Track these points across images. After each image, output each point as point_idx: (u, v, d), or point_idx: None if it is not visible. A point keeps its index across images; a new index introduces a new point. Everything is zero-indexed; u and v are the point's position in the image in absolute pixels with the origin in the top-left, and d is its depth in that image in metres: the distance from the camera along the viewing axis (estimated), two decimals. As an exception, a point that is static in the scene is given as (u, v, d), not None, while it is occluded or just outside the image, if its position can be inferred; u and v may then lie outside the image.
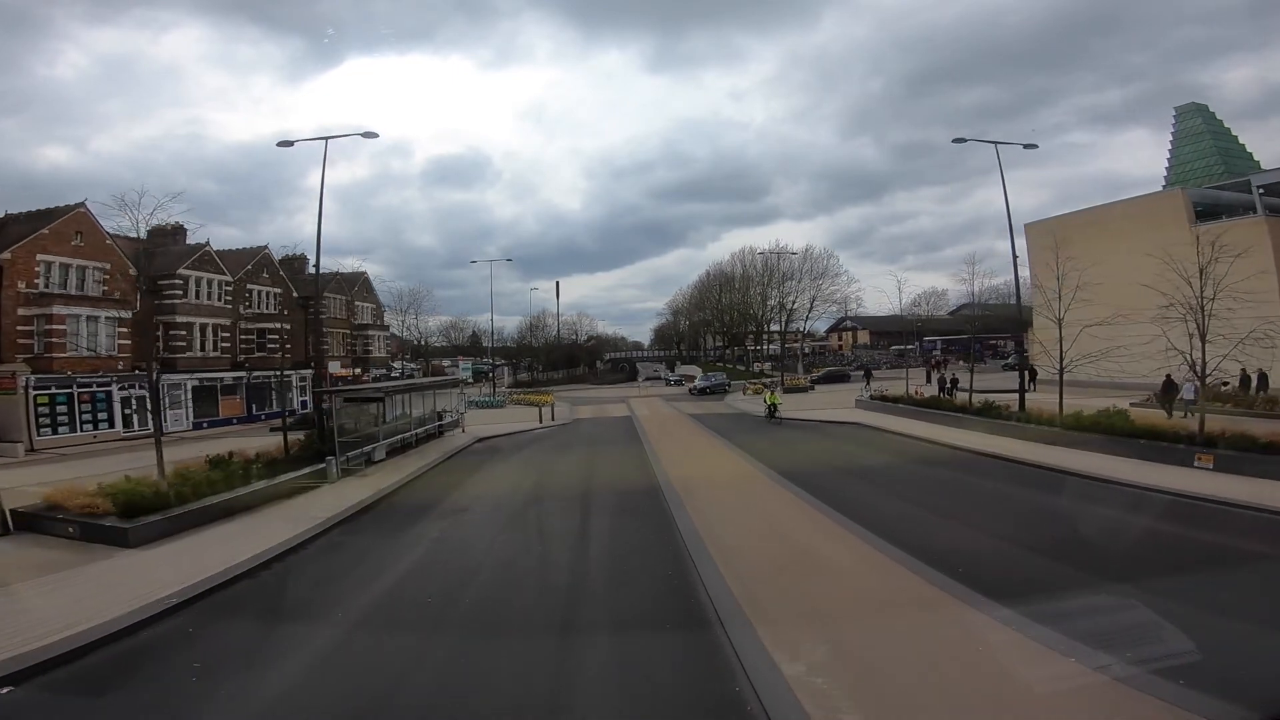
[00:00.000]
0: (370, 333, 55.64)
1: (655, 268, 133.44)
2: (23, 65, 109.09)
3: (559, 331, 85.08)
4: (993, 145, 24.86)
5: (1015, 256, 26.02)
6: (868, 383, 41.62)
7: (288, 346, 45.11)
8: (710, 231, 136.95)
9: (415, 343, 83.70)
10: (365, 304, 56.71)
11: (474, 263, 49.65)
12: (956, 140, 26.26)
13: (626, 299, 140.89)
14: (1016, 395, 23.41)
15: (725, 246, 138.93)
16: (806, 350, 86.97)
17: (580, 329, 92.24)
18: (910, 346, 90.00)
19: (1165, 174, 42.82)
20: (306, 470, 16.64)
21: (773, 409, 30.38)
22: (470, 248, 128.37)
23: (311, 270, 53.47)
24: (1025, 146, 25.89)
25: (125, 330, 33.11)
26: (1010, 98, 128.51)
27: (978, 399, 24.52)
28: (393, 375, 75.50)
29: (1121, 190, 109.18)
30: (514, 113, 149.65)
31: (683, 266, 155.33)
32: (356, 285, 55.85)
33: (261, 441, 19.68)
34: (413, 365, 79.16)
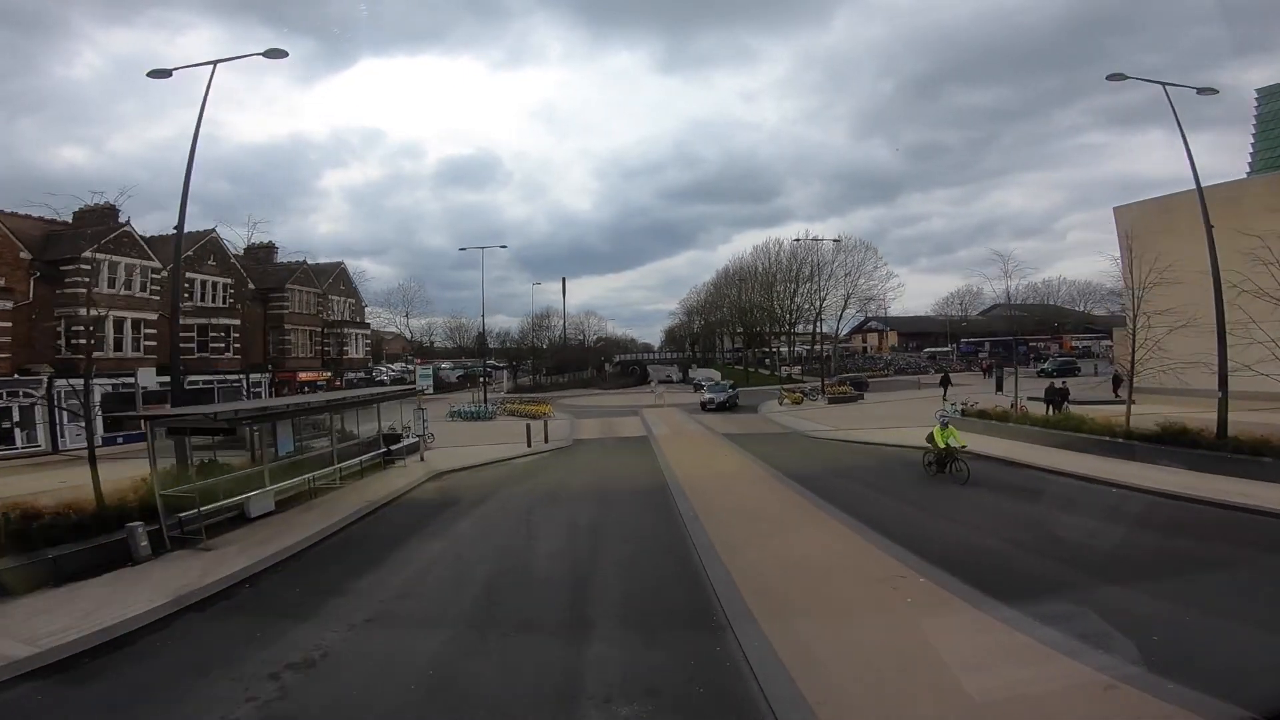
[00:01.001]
0: (347, 331, 48.60)
1: (666, 269, 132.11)
2: (40, 65, 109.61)
3: (565, 331, 78.04)
4: (1160, 86, 17.89)
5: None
6: (945, 392, 34.04)
7: (237, 346, 38.15)
8: (721, 233, 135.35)
9: (410, 341, 77.12)
10: (342, 298, 49.78)
11: (463, 250, 41.97)
12: (1112, 77, 18.74)
13: (637, 300, 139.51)
14: (1117, 404, 20.61)
15: (735, 248, 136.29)
16: (828, 353, 79.54)
17: (588, 329, 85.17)
18: (946, 349, 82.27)
19: (1249, 162, 35.46)
20: (90, 544, 9.50)
21: (945, 456, 15.93)
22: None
23: (290, 259, 46.90)
24: (1200, 91, 19.36)
25: (8, 325, 26.26)
26: (1024, 98, 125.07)
27: (1104, 413, 17.59)
28: (378, 380, 68.79)
29: (1138, 192, 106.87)
30: (524, 113, 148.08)
31: (693, 268, 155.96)
32: (331, 277, 48.94)
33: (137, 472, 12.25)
34: (407, 368, 72.34)
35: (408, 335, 67.54)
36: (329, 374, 45.79)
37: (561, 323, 77.12)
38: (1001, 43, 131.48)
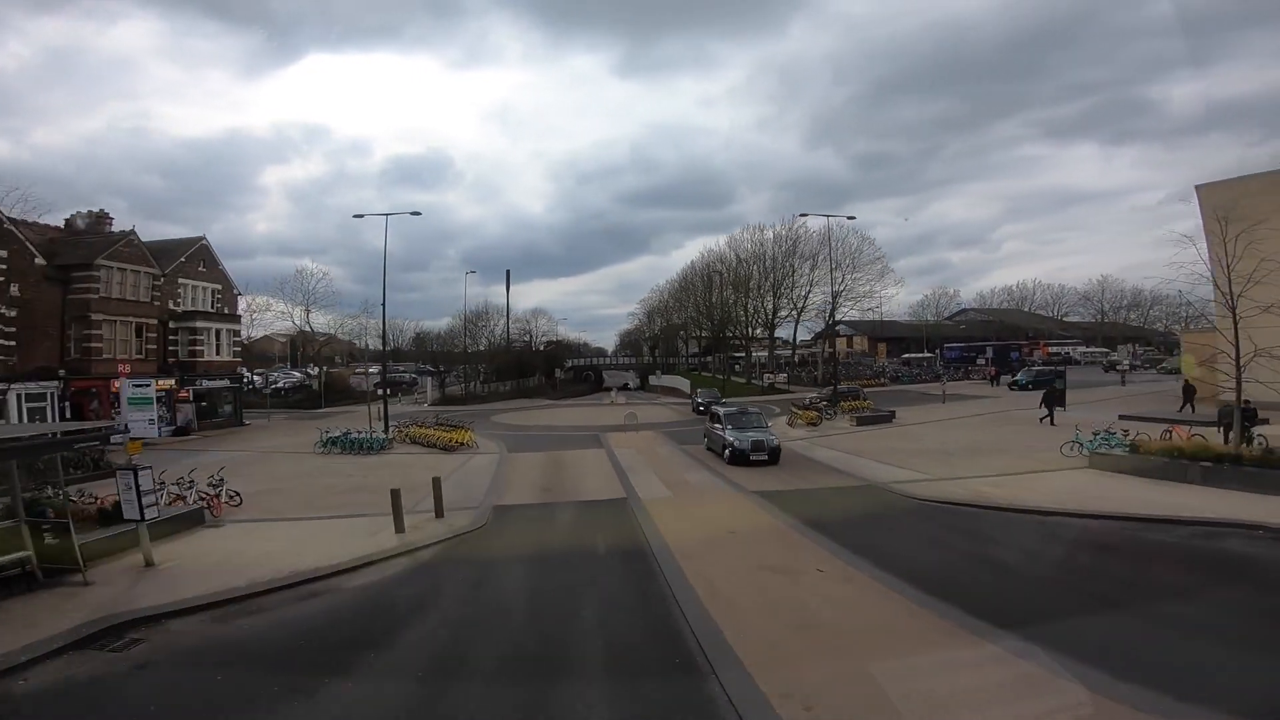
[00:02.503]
0: (202, 326, 35.99)
1: (621, 273, 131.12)
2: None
3: (508, 331, 66.33)
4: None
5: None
6: (1049, 412, 24.43)
7: (12, 344, 25.64)
8: (674, 238, 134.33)
9: (313, 338, 63.73)
10: (199, 284, 37.11)
11: (359, 216, 30.47)
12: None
13: (591, 304, 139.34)
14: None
15: (689, 254, 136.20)
16: (807, 357, 70.77)
17: (536, 330, 73.59)
18: (928, 355, 74.72)
19: None
20: None
21: None
22: (430, 250, 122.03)
23: (112, 231, 33.91)
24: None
25: None
26: (969, 110, 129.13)
27: None
28: (277, 384, 55.67)
29: (1069, 203, 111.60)
30: (480, 114, 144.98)
31: (649, 273, 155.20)
32: (184, 255, 36.27)
33: None
34: (309, 373, 59.24)
35: (307, 330, 54.64)
36: (171, 381, 33.20)
37: (504, 321, 65.52)
38: (950, 55, 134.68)
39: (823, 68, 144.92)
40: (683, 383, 58.99)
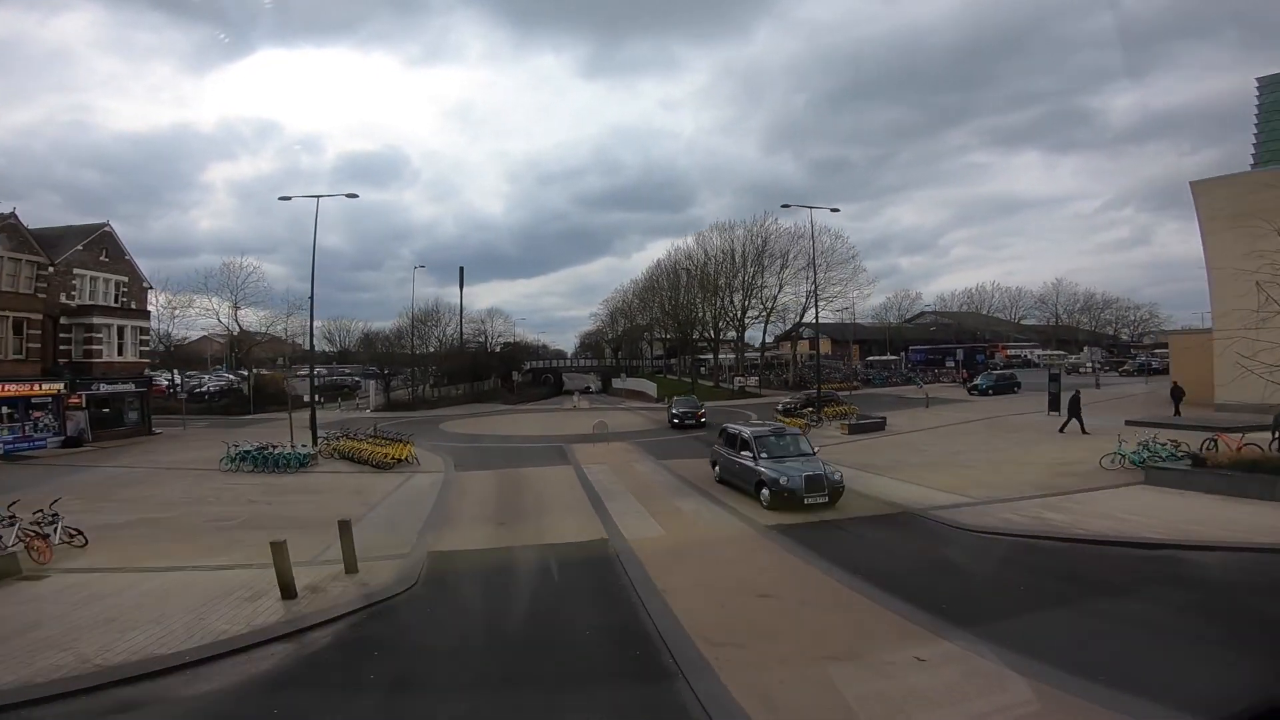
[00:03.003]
0: (102, 322, 31.20)
1: (580, 275, 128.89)
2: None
3: (461, 331, 62.04)
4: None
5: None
6: (1075, 419, 22.17)
7: None
8: (636, 240, 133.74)
9: (230, 338, 58.39)
10: (101, 275, 32.26)
11: (285, 199, 26.20)
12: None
13: (550, 306, 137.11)
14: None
15: (650, 256, 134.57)
16: (777, 359, 68.82)
17: (492, 331, 69.39)
18: (892, 357, 73.74)
19: (1253, 152, 28.54)
20: None
21: None
22: (383, 249, 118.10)
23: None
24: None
25: None
26: (921, 118, 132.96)
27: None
28: (200, 388, 50.26)
29: (1016, 210, 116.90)
30: (439, 112, 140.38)
31: (609, 275, 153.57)
32: (82, 243, 31.42)
33: None
34: (232, 375, 53.90)
35: (240, 330, 49.47)
36: (59, 385, 28.39)
37: (457, 321, 61.18)
38: (906, 63, 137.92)
39: (785, 73, 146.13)
40: (649, 386, 55.96)
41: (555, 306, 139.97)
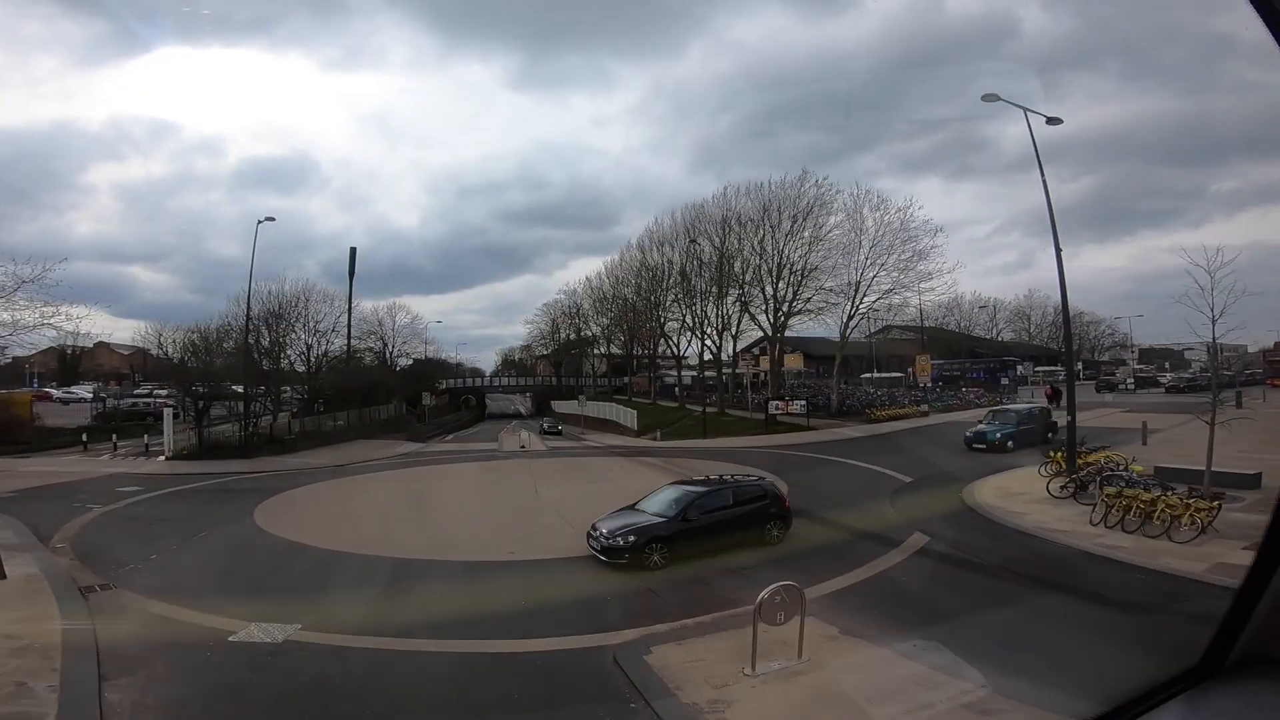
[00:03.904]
0: None
1: (498, 293, 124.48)
2: None
3: (349, 335, 43.77)
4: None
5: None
6: None
7: None
8: (558, 259, 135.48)
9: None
10: None
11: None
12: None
13: (466, 324, 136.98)
14: None
15: (571, 275, 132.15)
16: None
17: (394, 334, 51.37)
18: (895, 374, 61.70)
19: None
20: None
21: None
22: (284, 259, 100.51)
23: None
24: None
25: None
26: (838, 142, 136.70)
27: None
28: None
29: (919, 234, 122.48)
30: (355, 118, 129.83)
31: (529, 293, 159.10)
32: None
33: None
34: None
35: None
36: None
37: (339, 325, 42.92)
38: (827, 88, 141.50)
39: (713, 93, 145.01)
40: (623, 413, 40.25)
41: (471, 324, 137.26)
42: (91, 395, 36.90)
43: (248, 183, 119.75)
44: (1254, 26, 2.15)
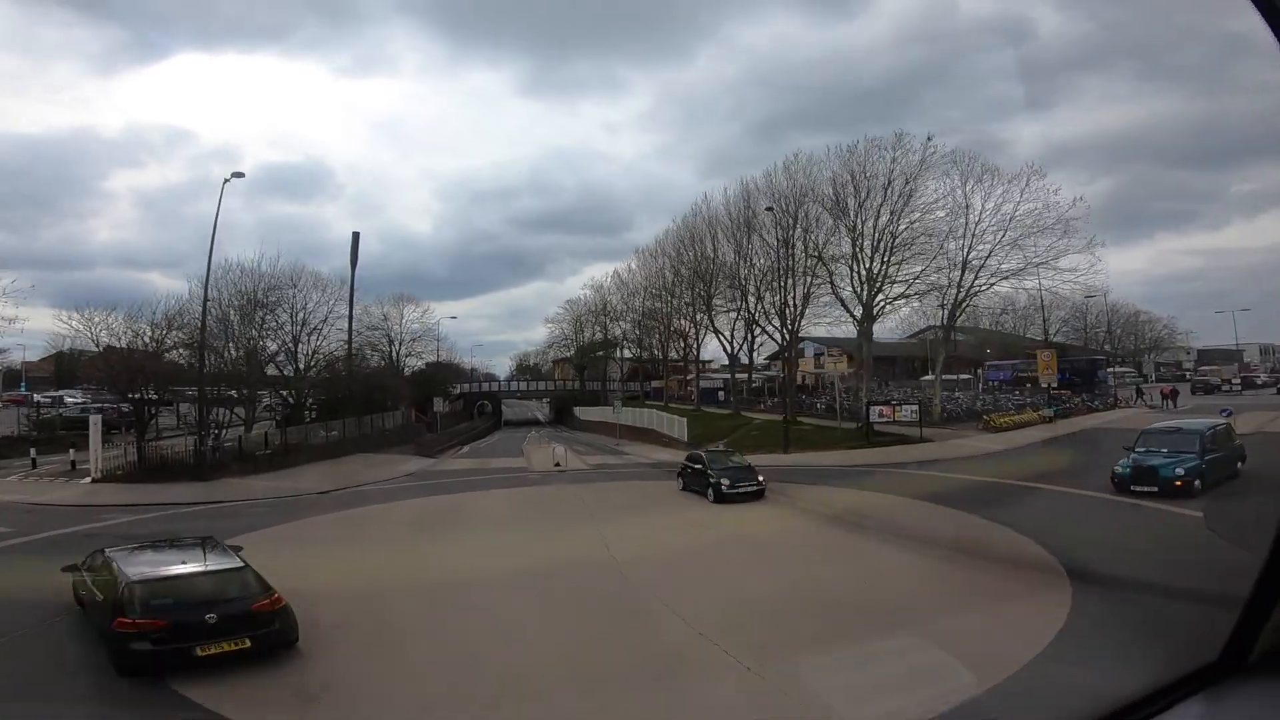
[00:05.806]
0: None
1: (510, 299, 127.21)
2: None
3: (350, 332, 37.28)
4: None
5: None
6: None
7: None
8: (570, 265, 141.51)
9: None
10: None
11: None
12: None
13: (477, 330, 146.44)
14: None
15: (583, 280, 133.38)
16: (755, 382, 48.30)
17: (402, 333, 44.87)
18: (965, 377, 54.52)
19: None
20: None
21: None
22: (300, 266, 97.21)
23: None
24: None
25: None
26: (851, 141, 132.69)
27: None
28: None
29: (933, 237, 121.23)
30: (368, 125, 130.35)
31: (540, 299, 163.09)
32: None
33: None
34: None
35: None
36: None
37: (343, 314, 36.44)
38: (839, 91, 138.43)
39: (723, 99, 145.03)
40: (668, 421, 33.26)
41: (483, 330, 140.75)
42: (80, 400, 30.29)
43: (264, 189, 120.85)
44: (1262, 26, 2.11)
